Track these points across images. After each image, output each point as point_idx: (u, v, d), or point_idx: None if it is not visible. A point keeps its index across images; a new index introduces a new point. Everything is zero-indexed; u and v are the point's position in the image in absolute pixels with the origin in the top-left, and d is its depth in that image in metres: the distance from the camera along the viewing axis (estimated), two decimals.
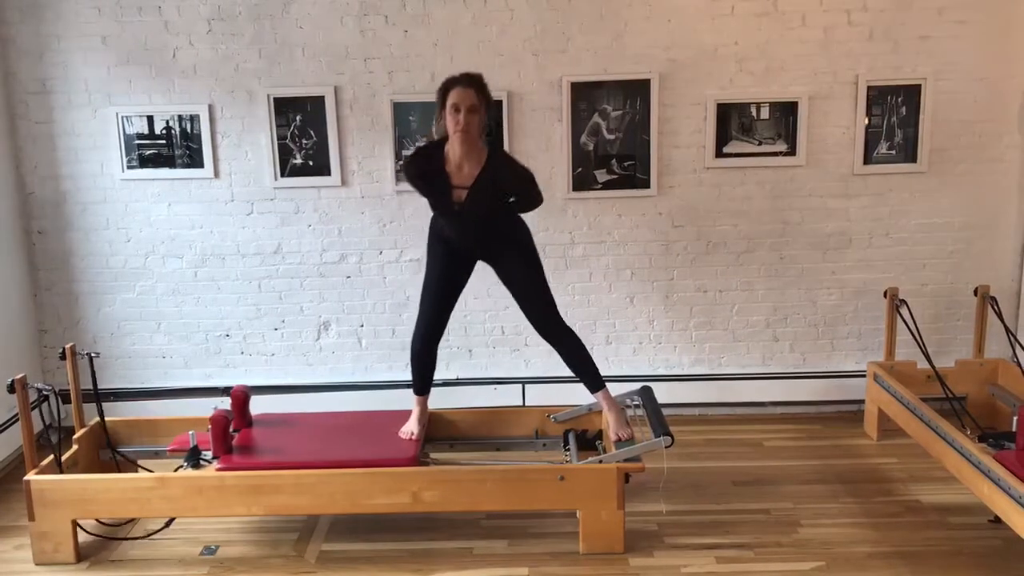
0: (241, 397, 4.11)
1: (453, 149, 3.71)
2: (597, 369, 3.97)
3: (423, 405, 4.10)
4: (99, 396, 4.06)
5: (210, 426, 3.77)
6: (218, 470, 3.70)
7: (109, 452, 4.11)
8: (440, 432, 4.26)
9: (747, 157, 4.94)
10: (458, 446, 4.26)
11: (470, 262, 3.97)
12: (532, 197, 3.83)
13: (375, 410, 4.45)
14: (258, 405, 4.80)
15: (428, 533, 3.89)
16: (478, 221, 3.78)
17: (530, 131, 4.91)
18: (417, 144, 3.82)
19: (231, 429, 3.91)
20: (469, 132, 3.63)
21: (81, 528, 3.75)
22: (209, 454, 3.82)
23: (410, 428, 4.01)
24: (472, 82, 3.64)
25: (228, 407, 3.99)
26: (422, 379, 4.09)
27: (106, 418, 4.17)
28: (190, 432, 3.91)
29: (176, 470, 3.84)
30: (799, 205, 5.00)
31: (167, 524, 3.88)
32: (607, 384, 3.99)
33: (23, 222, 4.98)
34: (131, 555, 3.80)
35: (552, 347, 3.98)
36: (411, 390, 4.12)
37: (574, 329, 3.97)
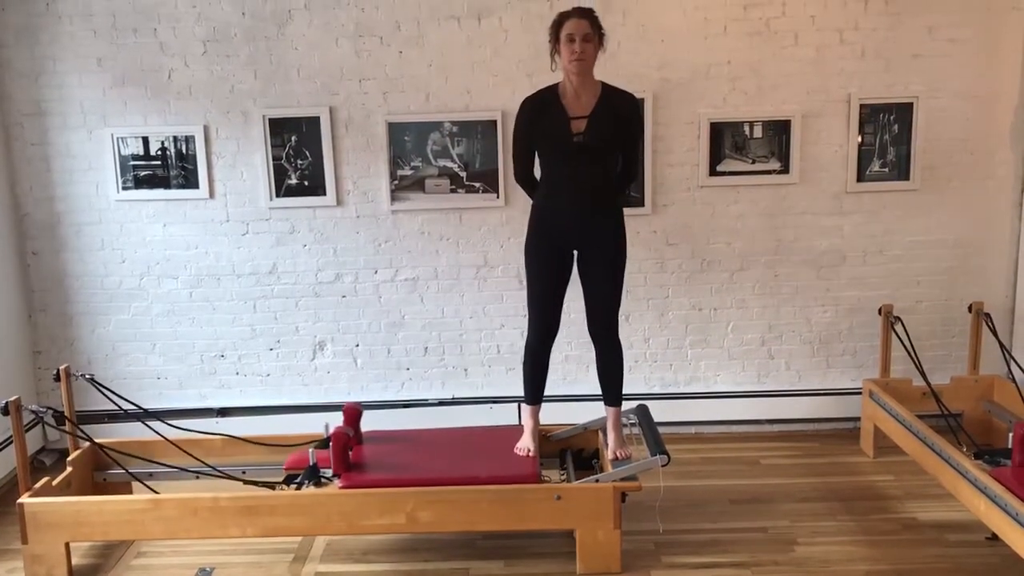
0: (354, 414, 4.09)
1: (569, 81, 3.70)
2: (622, 387, 3.95)
3: (536, 417, 4.01)
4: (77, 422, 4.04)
5: (332, 443, 3.74)
6: (341, 488, 3.67)
7: (103, 475, 4.09)
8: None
9: (741, 175, 4.96)
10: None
11: (569, 253, 3.83)
12: (639, 141, 3.74)
13: (484, 425, 4.42)
14: (251, 426, 4.81)
15: (424, 554, 3.88)
16: (593, 161, 3.66)
17: None
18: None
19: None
20: (585, 60, 3.63)
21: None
22: (329, 471, 3.78)
23: (526, 444, 3.95)
24: (585, 13, 3.67)
25: (342, 424, 3.96)
26: (539, 387, 4.00)
27: (99, 440, 4.15)
28: (309, 449, 3.85)
29: (297, 487, 3.75)
30: (793, 223, 5.02)
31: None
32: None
33: (18, 243, 4.98)
34: None
35: (596, 349, 3.93)
36: (523, 402, 4.02)
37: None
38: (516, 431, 4.07)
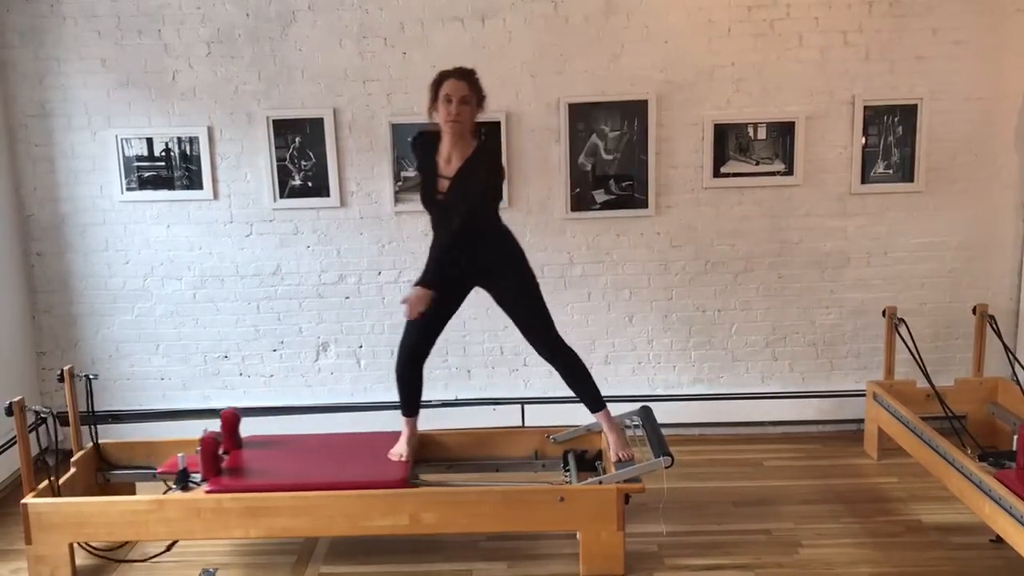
0: (231, 419, 4.10)
1: (444, 141, 3.70)
2: (597, 389, 3.94)
3: (412, 427, 4.05)
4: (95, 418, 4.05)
5: (199, 448, 3.77)
6: (207, 492, 3.69)
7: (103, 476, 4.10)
8: (437, 454, 4.24)
9: (745, 177, 4.95)
10: (457, 467, 4.24)
11: (463, 289, 3.93)
12: (471, 190, 3.62)
13: (367, 432, 4.43)
14: (256, 426, 4.81)
15: (427, 555, 3.87)
16: (458, 217, 3.64)
17: (528, 152, 4.93)
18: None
19: (221, 451, 3.90)
20: (460, 122, 3.62)
21: (87, 548, 3.73)
22: (199, 476, 3.80)
23: (399, 450, 3.98)
24: (464, 75, 3.65)
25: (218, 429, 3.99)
26: (410, 400, 4.04)
27: (102, 441, 4.15)
28: (179, 455, 3.90)
29: (164, 492, 3.81)
30: (797, 225, 5.01)
31: (168, 548, 3.86)
32: (607, 404, 3.98)
33: (22, 244, 4.99)
34: None
35: (552, 367, 3.97)
36: (402, 414, 4.06)
37: (573, 349, 3.96)
38: (398, 437, 4.05)
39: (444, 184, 3.69)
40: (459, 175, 3.67)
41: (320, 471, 3.85)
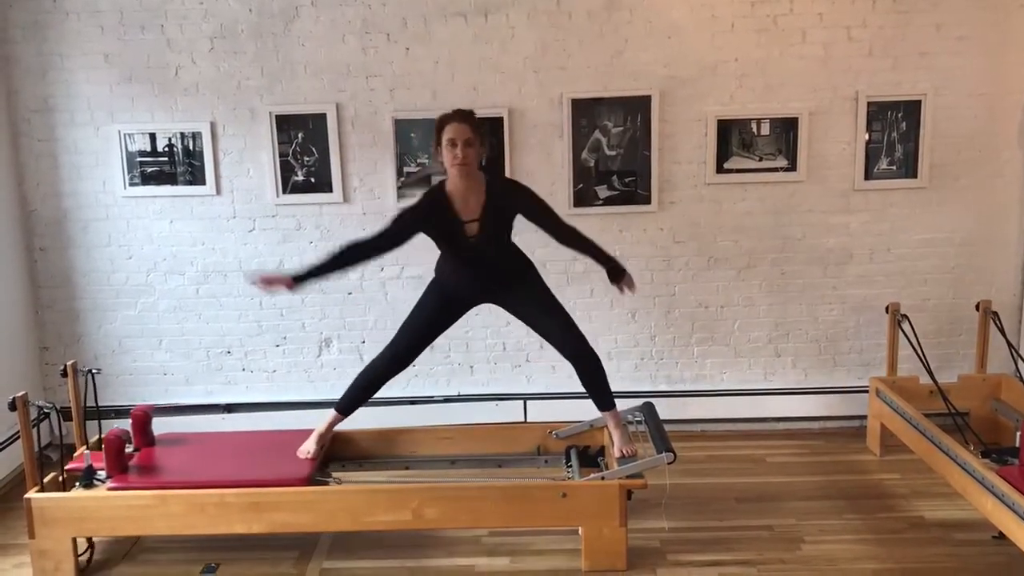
0: (141, 417, 4.11)
1: (455, 184, 3.71)
2: (610, 388, 3.95)
3: (333, 424, 4.06)
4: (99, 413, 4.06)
5: (104, 446, 3.77)
6: (109, 489, 3.70)
7: None
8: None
9: (748, 173, 4.95)
10: (459, 463, 4.24)
11: (465, 308, 3.98)
12: (544, 204, 3.76)
13: (285, 430, 4.44)
14: (259, 422, 4.82)
15: (430, 550, 3.88)
16: (494, 253, 3.77)
17: (531, 147, 4.92)
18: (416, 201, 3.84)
19: (131, 448, 3.92)
20: (468, 164, 3.65)
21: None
22: (103, 473, 3.80)
23: (307, 447, 3.98)
24: (465, 117, 3.67)
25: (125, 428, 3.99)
26: (355, 402, 4.06)
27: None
28: (85, 451, 3.92)
29: (70, 490, 3.79)
30: (800, 221, 5.01)
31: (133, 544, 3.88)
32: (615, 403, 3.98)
33: (25, 239, 4.99)
34: (131, 573, 3.79)
35: (574, 367, 3.94)
36: (334, 407, 4.07)
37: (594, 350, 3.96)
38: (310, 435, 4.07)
39: (473, 227, 3.72)
40: (488, 211, 3.70)
41: (222, 469, 3.87)
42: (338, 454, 4.23)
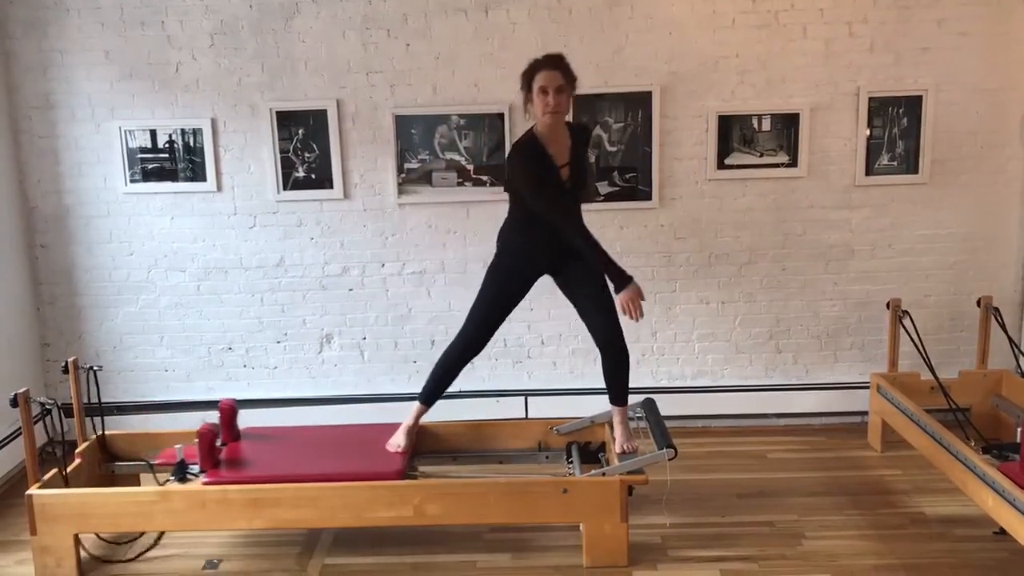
0: (228, 411, 4.11)
1: (547, 130, 3.70)
2: (628, 386, 3.95)
3: (419, 416, 4.04)
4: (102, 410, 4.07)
5: (197, 440, 3.77)
6: (204, 484, 3.70)
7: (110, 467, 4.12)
8: (440, 445, 4.25)
9: (749, 169, 4.94)
10: (460, 459, 4.24)
11: (529, 281, 3.93)
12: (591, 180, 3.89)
13: (364, 423, 4.44)
14: (260, 418, 4.82)
15: (431, 546, 3.88)
16: (577, 201, 3.80)
17: None
18: (516, 146, 3.76)
19: (219, 443, 3.92)
20: (559, 111, 3.65)
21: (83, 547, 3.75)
22: (196, 467, 3.81)
23: (397, 441, 3.98)
24: (556, 63, 3.66)
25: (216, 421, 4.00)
26: (439, 392, 4.03)
27: (107, 432, 4.16)
28: (177, 446, 3.91)
29: (163, 484, 3.82)
30: (801, 216, 5.00)
31: (157, 540, 3.89)
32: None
33: (26, 236, 4.99)
34: (133, 570, 3.79)
35: (602, 356, 3.92)
36: (416, 400, 4.05)
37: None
38: (396, 429, 4.05)
39: (566, 172, 3.74)
40: (575, 156, 3.75)
41: (317, 463, 3.86)
42: (433, 449, 4.23)
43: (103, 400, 4.15)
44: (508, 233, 3.90)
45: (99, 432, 4.12)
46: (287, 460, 3.92)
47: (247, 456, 3.97)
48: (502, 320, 3.96)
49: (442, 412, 4.85)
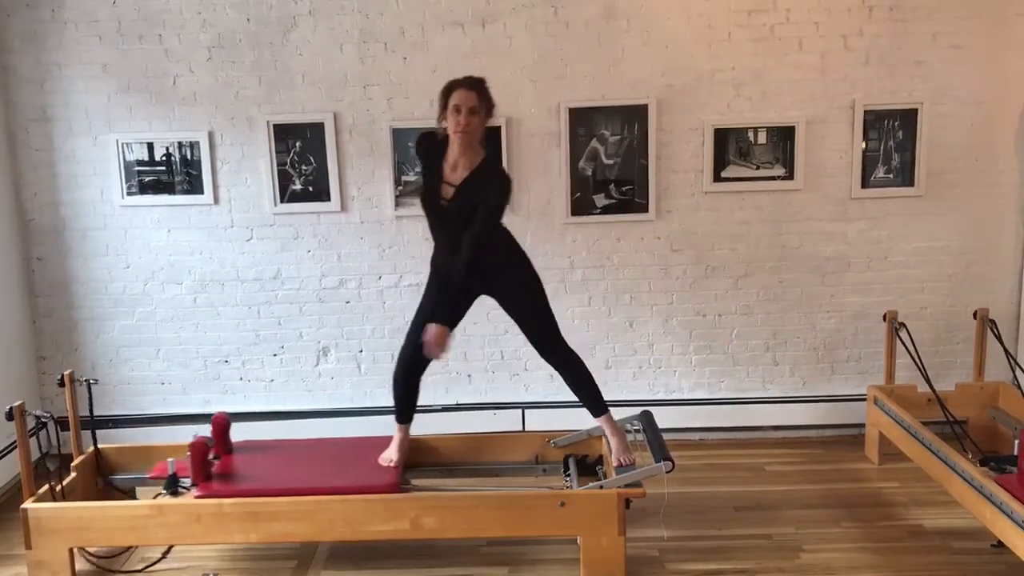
0: (222, 424, 4.10)
1: (452, 149, 3.69)
2: (600, 394, 3.94)
3: (405, 433, 4.04)
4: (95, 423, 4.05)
5: (190, 453, 3.76)
6: (196, 497, 3.69)
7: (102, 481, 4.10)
8: (437, 459, 4.25)
9: (745, 181, 4.95)
10: (457, 472, 4.23)
11: (469, 297, 3.91)
12: (491, 203, 3.63)
13: (358, 436, 4.42)
14: (257, 431, 4.81)
15: (428, 560, 3.87)
16: (457, 228, 3.67)
17: (529, 156, 4.93)
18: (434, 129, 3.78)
19: (211, 456, 3.91)
20: (469, 133, 3.61)
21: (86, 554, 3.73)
22: (188, 481, 3.80)
23: (389, 455, 3.97)
24: (474, 84, 3.65)
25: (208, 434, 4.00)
26: (404, 408, 4.03)
27: (102, 445, 4.15)
28: (169, 460, 3.91)
29: (155, 497, 3.80)
30: (797, 229, 5.01)
31: (164, 554, 3.86)
32: (609, 408, 3.97)
33: (23, 249, 4.99)
34: None
35: (556, 371, 3.96)
36: (396, 420, 4.04)
37: (578, 354, 3.95)
38: (389, 442, 4.04)
39: (448, 191, 3.68)
40: (466, 185, 3.65)
41: (310, 476, 3.85)
42: (423, 461, 4.21)
43: (100, 413, 4.14)
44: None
45: (93, 446, 4.10)
46: (279, 473, 3.90)
47: (240, 470, 3.96)
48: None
49: (439, 425, 4.86)
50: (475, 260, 3.61)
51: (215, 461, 3.97)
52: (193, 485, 3.76)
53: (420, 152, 3.87)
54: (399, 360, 3.98)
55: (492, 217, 3.66)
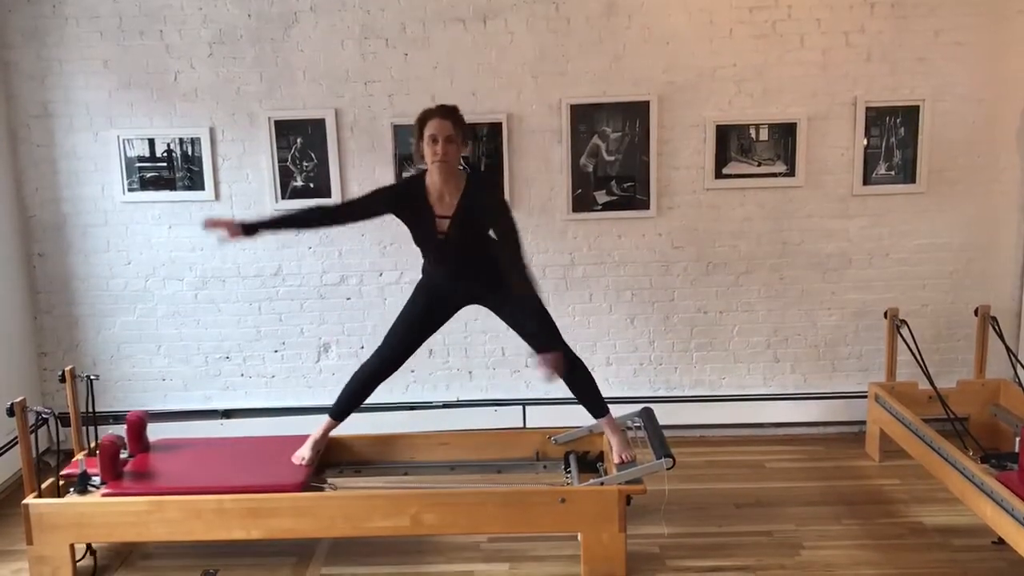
0: (136, 422, 4.10)
1: (433, 179, 3.70)
2: (601, 396, 3.94)
3: (328, 430, 4.03)
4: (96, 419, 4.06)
5: (99, 451, 3.76)
6: (104, 495, 3.69)
7: None
8: (438, 456, 4.26)
9: (746, 178, 4.95)
10: (458, 469, 4.24)
11: (450, 309, 3.95)
12: (511, 223, 3.66)
13: (280, 436, 4.40)
14: (258, 427, 4.82)
15: (429, 556, 3.87)
16: (462, 253, 3.74)
17: (530, 153, 4.92)
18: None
19: (127, 454, 3.91)
20: (447, 162, 3.63)
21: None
22: (98, 479, 3.79)
23: (302, 453, 3.96)
24: (448, 113, 3.66)
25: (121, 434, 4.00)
26: (348, 406, 4.02)
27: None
28: (79, 457, 3.91)
29: (63, 496, 3.76)
30: (799, 226, 5.01)
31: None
32: (609, 409, 3.97)
33: (24, 245, 4.99)
34: None
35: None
36: (328, 413, 4.04)
37: (575, 352, 3.95)
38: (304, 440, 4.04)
39: (443, 223, 3.70)
40: (462, 209, 3.67)
41: (216, 475, 3.85)
42: (336, 460, 4.23)
43: (100, 409, 4.14)
44: (423, 260, 3.95)
45: (94, 442, 4.10)
46: (189, 472, 3.90)
47: (151, 468, 3.96)
48: (421, 340, 3.99)
49: (440, 421, 4.86)
50: (527, 269, 3.64)
51: (128, 460, 3.97)
52: (102, 483, 3.76)
53: (401, 205, 3.80)
54: (371, 360, 3.98)
55: (514, 229, 3.67)
